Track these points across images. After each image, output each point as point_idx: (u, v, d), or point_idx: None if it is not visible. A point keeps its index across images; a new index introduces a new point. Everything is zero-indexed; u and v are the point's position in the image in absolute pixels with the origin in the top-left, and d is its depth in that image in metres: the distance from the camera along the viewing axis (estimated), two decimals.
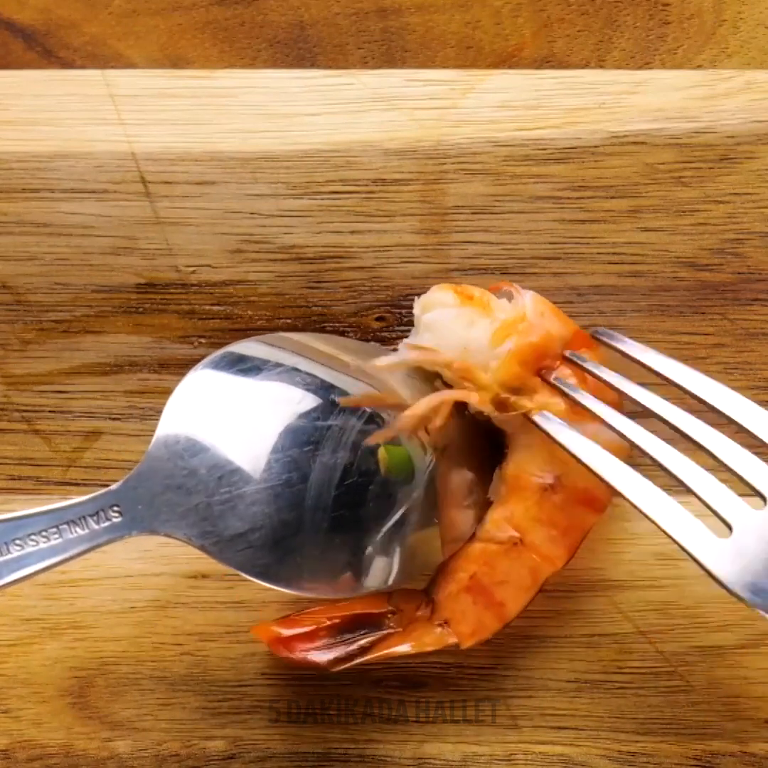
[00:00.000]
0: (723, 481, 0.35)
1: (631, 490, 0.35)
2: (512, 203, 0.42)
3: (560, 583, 0.40)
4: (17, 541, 0.34)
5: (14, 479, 0.42)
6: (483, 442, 0.39)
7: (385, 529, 0.37)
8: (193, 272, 0.42)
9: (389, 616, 0.39)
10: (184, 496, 0.35)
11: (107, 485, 0.36)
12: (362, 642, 0.38)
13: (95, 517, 0.35)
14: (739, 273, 0.42)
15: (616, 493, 0.36)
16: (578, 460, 0.36)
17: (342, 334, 0.42)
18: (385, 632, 0.38)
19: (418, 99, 0.43)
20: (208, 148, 0.42)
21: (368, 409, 0.37)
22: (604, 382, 0.38)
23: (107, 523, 0.35)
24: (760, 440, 0.36)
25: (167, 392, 0.37)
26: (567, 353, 0.38)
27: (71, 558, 0.35)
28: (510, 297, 0.39)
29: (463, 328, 0.38)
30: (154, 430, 0.36)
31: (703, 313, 0.42)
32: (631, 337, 0.40)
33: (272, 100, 0.43)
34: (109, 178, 0.42)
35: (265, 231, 0.42)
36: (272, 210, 0.42)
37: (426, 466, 0.38)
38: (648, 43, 0.43)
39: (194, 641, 0.41)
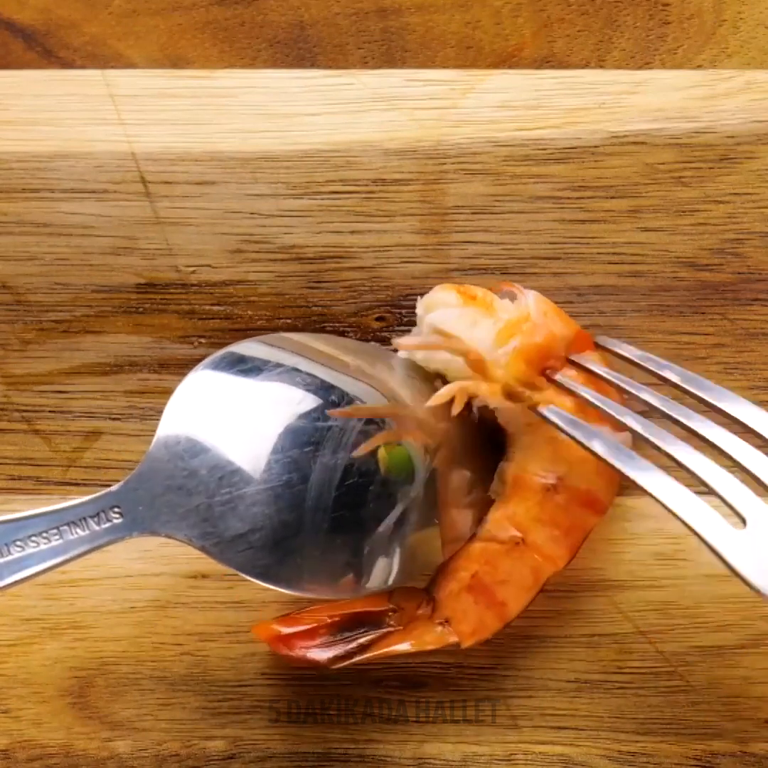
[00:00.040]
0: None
1: (649, 481, 0.35)
2: (512, 203, 0.42)
3: (560, 583, 0.40)
4: (18, 543, 0.34)
5: (14, 479, 0.42)
6: (483, 441, 0.39)
7: (385, 529, 0.37)
8: (193, 272, 0.42)
9: (390, 614, 0.39)
10: (184, 497, 0.35)
11: (107, 485, 0.36)
12: (362, 640, 0.38)
13: (96, 518, 0.35)
14: (739, 273, 0.42)
15: (627, 486, 0.36)
16: (591, 452, 0.36)
17: (342, 334, 0.42)
18: (385, 630, 0.38)
19: (418, 99, 0.43)
20: (208, 148, 0.42)
21: (365, 399, 0.38)
22: (610, 382, 0.38)
23: (108, 524, 0.35)
24: (765, 439, 0.36)
25: (167, 392, 0.37)
26: (572, 357, 0.38)
27: (72, 559, 0.35)
28: (512, 297, 0.39)
29: (467, 328, 0.38)
30: (154, 430, 0.36)
31: (703, 313, 0.42)
32: (631, 338, 0.40)
33: (272, 100, 0.43)
34: (109, 178, 0.42)
35: (265, 231, 0.42)
36: (272, 210, 0.42)
37: (426, 466, 0.38)
38: (648, 43, 0.43)
39: (194, 641, 0.41)
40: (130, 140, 0.42)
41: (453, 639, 0.38)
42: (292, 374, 0.37)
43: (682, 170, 0.42)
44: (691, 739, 0.41)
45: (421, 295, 0.40)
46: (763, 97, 0.42)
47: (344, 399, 0.37)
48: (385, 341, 0.42)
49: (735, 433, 0.36)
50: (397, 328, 0.42)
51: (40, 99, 0.43)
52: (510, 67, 0.43)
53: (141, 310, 0.42)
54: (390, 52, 0.43)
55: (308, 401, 0.37)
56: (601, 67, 0.43)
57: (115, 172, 0.42)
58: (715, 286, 0.42)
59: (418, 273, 0.42)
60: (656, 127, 0.42)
